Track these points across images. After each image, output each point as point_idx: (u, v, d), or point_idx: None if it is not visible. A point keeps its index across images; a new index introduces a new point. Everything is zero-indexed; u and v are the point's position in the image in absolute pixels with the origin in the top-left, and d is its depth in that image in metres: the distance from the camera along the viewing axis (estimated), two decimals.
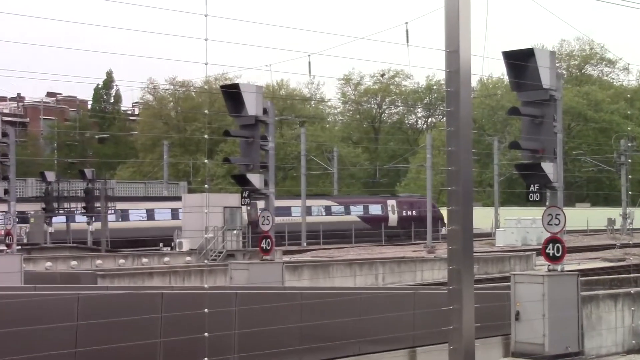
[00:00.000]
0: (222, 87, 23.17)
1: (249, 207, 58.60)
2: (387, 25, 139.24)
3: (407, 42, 21.54)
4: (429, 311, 14.84)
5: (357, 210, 68.53)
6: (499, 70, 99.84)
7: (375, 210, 69.70)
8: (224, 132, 24.97)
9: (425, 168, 60.14)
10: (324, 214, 66.57)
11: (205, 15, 8.65)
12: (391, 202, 70.05)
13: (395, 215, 69.32)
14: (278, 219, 62.41)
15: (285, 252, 46.87)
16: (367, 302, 15.63)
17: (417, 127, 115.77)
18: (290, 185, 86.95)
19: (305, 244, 60.50)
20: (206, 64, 8.87)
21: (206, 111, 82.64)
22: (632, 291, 18.64)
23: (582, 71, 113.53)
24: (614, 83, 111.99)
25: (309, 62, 29.82)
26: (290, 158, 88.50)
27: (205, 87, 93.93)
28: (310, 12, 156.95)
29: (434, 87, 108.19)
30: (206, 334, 10.63)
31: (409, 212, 69.44)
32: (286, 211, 62.72)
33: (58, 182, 50.42)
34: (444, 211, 63.02)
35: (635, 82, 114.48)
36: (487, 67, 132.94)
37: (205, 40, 8.57)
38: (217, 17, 9.83)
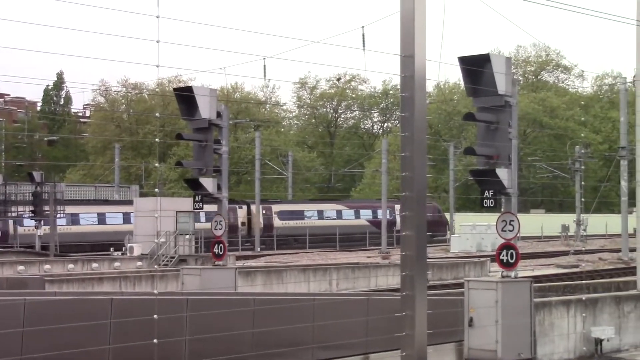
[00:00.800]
0: (175, 89, 23.04)
1: (264, 211, 65.42)
2: (343, 29, 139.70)
3: (364, 46, 21.59)
4: (382, 317, 14.88)
5: (366, 215, 70.78)
6: (456, 76, 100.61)
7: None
8: (177, 136, 24.86)
9: (380, 173, 60.39)
10: (335, 217, 69.14)
11: (157, 17, 8.60)
12: (398, 207, 70.27)
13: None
14: (293, 222, 67.51)
15: (239, 257, 46.76)
16: (321, 308, 15.62)
17: (373, 132, 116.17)
18: (244, 189, 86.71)
19: (259, 249, 60.49)
20: (157, 66, 8.82)
21: (157, 114, 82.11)
22: (583, 298, 18.89)
23: (538, 77, 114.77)
24: (570, 89, 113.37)
25: (264, 66, 29.77)
26: (244, 162, 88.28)
27: (157, 89, 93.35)
28: (266, 16, 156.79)
29: (391, 92, 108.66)
30: (155, 340, 10.56)
31: None
32: (299, 215, 67.92)
33: (5, 185, 49.73)
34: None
35: (590, 89, 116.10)
36: (444, 72, 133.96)
37: (157, 42, 8.53)
38: (169, 19, 9.79)
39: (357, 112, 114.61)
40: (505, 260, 16.55)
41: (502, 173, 16.57)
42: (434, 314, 9.69)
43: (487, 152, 16.64)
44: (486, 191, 16.58)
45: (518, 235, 16.71)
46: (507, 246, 16.57)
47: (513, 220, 16.68)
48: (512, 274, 16.52)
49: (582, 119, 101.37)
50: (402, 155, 6.39)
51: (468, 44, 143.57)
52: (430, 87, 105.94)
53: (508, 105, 16.46)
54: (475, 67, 16.10)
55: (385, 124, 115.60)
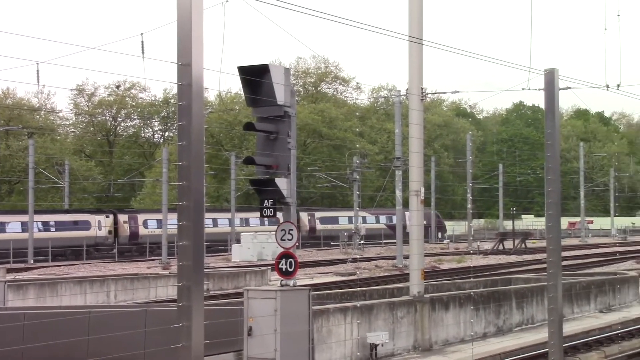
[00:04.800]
0: None
1: (309, 217, 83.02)
2: (123, 36, 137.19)
3: (143, 53, 21.29)
4: (161, 329, 14.73)
5: (383, 220, 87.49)
6: (238, 86, 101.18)
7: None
8: None
9: (161, 182, 59.85)
10: (361, 222, 77.90)
11: None
12: (408, 213, 79.05)
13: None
14: (323, 226, 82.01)
15: (9, 270, 44.82)
16: (96, 321, 15.26)
17: (154, 141, 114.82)
18: (16, 199, 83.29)
19: (32, 261, 58.32)
20: None
21: None
22: (358, 305, 19.51)
23: (318, 89, 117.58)
24: (348, 101, 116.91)
25: (37, 71, 28.67)
26: (17, 171, 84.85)
27: None
28: (39, 19, 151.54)
29: (172, 100, 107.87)
30: None
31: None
32: (334, 220, 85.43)
33: None
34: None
35: (367, 101, 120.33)
36: (226, 82, 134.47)
37: None
38: None
39: (137, 120, 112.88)
40: (284, 269, 16.83)
41: (282, 182, 16.84)
42: (212, 324, 9.71)
43: (266, 161, 16.86)
44: (265, 200, 16.79)
45: (297, 244, 17.04)
46: (286, 255, 16.86)
47: (292, 230, 17.00)
48: (291, 282, 16.81)
49: (358, 129, 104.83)
50: (180, 164, 6.36)
51: (251, 54, 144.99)
52: (212, 96, 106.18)
53: (287, 115, 16.75)
54: (255, 77, 16.28)
55: (167, 133, 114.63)
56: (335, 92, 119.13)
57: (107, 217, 69.90)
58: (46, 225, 66.42)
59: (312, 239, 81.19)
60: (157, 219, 68.71)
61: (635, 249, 69.24)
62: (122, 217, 71.31)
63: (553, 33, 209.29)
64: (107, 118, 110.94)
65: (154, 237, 68.36)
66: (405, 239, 30.11)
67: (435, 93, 78.36)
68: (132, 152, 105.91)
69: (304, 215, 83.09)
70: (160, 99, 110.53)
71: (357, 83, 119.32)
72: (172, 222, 51.02)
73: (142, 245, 70.54)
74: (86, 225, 68.38)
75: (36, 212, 63.53)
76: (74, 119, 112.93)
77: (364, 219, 79.99)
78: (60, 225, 66.73)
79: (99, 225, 68.59)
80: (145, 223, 72.17)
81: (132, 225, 71.13)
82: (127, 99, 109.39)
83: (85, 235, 67.14)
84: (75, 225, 66.37)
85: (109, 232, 69.30)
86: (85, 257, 64.38)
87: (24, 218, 62.64)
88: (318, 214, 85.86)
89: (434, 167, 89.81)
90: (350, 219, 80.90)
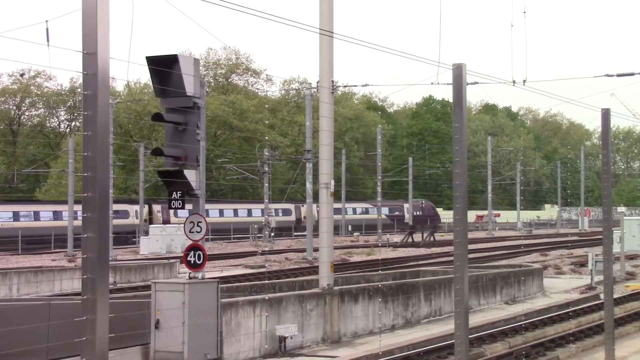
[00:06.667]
0: None
1: (303, 205, 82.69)
2: (26, 23, 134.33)
3: (48, 41, 20.86)
4: (65, 323, 14.49)
5: (384, 211, 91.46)
6: (148, 76, 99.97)
7: (396, 211, 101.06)
8: None
9: (67, 173, 58.82)
10: (361, 213, 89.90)
11: None
12: (406, 205, 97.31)
13: (409, 214, 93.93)
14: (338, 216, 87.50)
15: None
16: None
17: (60, 131, 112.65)
18: None
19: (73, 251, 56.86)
20: None
21: None
22: (267, 297, 19.54)
23: (229, 80, 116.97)
24: (259, 93, 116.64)
25: None
26: None
27: None
28: None
29: (79, 90, 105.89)
30: None
31: (418, 212, 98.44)
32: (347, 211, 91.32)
33: None
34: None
35: (278, 93, 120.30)
36: (136, 72, 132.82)
37: None
38: None
39: (43, 109, 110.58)
40: (192, 262, 16.77)
41: (190, 174, 16.77)
42: (119, 318, 9.61)
43: (175, 153, 16.75)
44: (174, 192, 16.68)
45: (205, 236, 16.99)
46: (195, 247, 16.80)
47: (201, 222, 16.94)
48: (200, 275, 16.76)
49: (269, 122, 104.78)
50: (85, 155, 6.27)
51: (162, 45, 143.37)
52: (120, 86, 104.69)
53: (196, 106, 16.67)
54: (163, 68, 16.15)
55: (73, 123, 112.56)
56: (246, 84, 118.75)
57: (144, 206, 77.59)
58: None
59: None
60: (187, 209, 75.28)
61: (539, 241, 70.98)
62: (156, 207, 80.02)
63: (462, 29, 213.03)
64: (11, 107, 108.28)
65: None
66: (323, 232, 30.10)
67: (346, 86, 78.87)
68: (37, 142, 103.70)
69: (157, 208, 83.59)
70: (67, 88, 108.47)
71: (268, 75, 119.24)
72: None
73: None
74: (125, 214, 74.99)
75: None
76: None
77: (366, 210, 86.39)
78: None
79: (136, 214, 75.17)
80: (175, 212, 75.30)
81: (165, 214, 79.12)
82: (32, 87, 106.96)
83: (124, 223, 73.00)
84: (117, 214, 69.66)
85: (145, 220, 75.97)
86: (126, 243, 70.77)
87: (58, 207, 70.43)
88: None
89: (345, 160, 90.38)
90: (355, 209, 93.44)
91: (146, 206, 77.94)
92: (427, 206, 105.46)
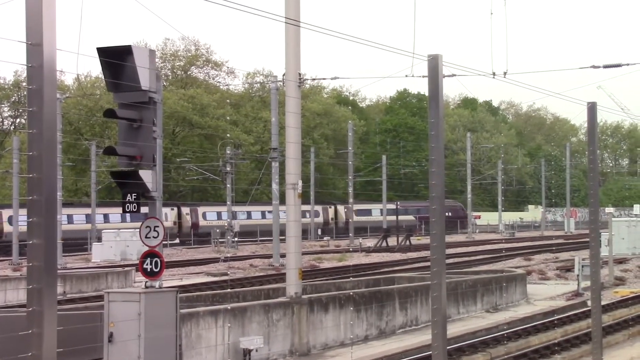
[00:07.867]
0: None
1: (330, 207, 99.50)
2: None
3: None
4: (9, 337, 14.37)
5: (412, 212, 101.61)
6: (99, 69, 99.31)
7: (423, 211, 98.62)
8: None
9: (11, 174, 58.42)
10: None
11: None
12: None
13: (384, 215, 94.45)
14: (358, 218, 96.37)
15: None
16: None
17: (4, 129, 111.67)
18: None
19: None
20: None
21: None
22: (230, 307, 19.50)
23: (188, 73, 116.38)
24: (220, 87, 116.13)
25: None
26: None
27: None
28: None
29: (24, 84, 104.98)
30: None
31: (449, 214, 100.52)
32: (368, 212, 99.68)
33: None
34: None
35: (241, 87, 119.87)
36: (86, 64, 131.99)
37: None
38: None
39: None
40: (149, 270, 16.65)
41: (146, 175, 16.63)
42: (68, 331, 9.53)
43: (129, 152, 16.62)
44: (129, 194, 16.56)
45: (163, 242, 16.89)
46: (152, 254, 16.68)
47: (158, 226, 16.82)
48: (157, 283, 16.65)
49: (230, 118, 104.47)
50: (30, 154, 6.22)
51: (115, 35, 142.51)
52: (69, 80, 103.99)
53: (152, 101, 16.55)
54: (116, 60, 16.02)
55: (18, 120, 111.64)
56: (206, 77, 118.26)
57: (172, 209, 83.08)
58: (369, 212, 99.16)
59: (196, 236, 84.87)
60: (216, 212, 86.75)
61: (522, 245, 71.40)
62: (185, 210, 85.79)
63: (438, 17, 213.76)
64: None
65: (211, 227, 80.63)
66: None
67: (314, 79, 79.09)
68: None
69: (186, 210, 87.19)
70: (11, 82, 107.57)
71: (229, 67, 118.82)
72: None
73: (201, 235, 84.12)
74: (368, 212, 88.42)
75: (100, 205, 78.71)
76: None
77: (394, 211, 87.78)
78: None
79: (166, 217, 76.85)
80: (204, 215, 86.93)
81: (193, 217, 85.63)
82: None
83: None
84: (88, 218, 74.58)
85: (174, 222, 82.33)
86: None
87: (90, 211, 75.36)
88: (201, 209, 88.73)
89: (314, 159, 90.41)
90: (381, 210, 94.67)
91: (175, 209, 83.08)
92: (453, 208, 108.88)
